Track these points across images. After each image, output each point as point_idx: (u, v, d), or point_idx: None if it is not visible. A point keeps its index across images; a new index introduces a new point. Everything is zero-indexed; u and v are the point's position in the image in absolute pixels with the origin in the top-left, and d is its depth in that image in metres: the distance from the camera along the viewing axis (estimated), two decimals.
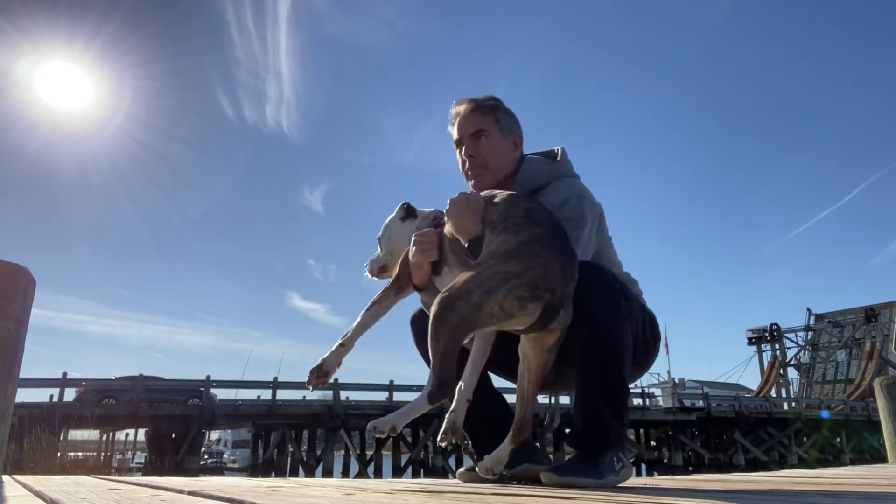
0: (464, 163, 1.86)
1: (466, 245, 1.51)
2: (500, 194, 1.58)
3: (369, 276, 1.83)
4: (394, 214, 1.82)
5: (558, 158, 1.86)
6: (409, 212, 1.80)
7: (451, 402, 1.56)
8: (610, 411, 1.52)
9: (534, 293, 1.33)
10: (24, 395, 15.58)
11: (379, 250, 1.84)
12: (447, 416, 1.57)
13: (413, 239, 1.66)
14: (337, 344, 1.65)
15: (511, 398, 1.97)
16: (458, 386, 1.58)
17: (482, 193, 1.63)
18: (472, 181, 1.84)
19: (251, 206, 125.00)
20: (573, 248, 1.47)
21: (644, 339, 1.73)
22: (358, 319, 1.68)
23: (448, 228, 1.60)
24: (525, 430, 1.55)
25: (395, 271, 1.75)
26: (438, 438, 1.59)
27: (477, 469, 1.60)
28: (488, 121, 1.84)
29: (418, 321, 1.84)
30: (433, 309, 1.37)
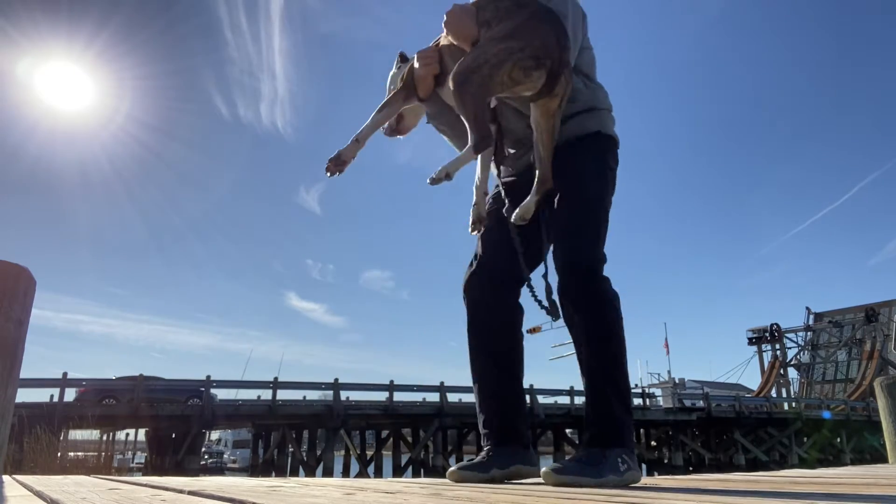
0: None
1: (469, 50, 1.63)
2: None
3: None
4: (394, 69, 1.98)
5: None
6: (403, 58, 1.97)
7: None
8: (621, 407, 1.59)
9: (537, 63, 1.55)
10: (24, 395, 15.58)
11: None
12: (472, 209, 1.88)
13: (416, 56, 1.82)
14: (353, 139, 1.78)
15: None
16: (475, 183, 1.90)
17: (469, 2, 1.75)
18: None
19: (248, 205, 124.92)
20: (563, 22, 1.63)
21: None
22: (370, 119, 1.83)
23: (448, 39, 1.74)
24: (546, 182, 1.74)
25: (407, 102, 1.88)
26: (470, 229, 1.88)
27: (512, 219, 1.76)
28: None
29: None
30: (452, 85, 1.57)
